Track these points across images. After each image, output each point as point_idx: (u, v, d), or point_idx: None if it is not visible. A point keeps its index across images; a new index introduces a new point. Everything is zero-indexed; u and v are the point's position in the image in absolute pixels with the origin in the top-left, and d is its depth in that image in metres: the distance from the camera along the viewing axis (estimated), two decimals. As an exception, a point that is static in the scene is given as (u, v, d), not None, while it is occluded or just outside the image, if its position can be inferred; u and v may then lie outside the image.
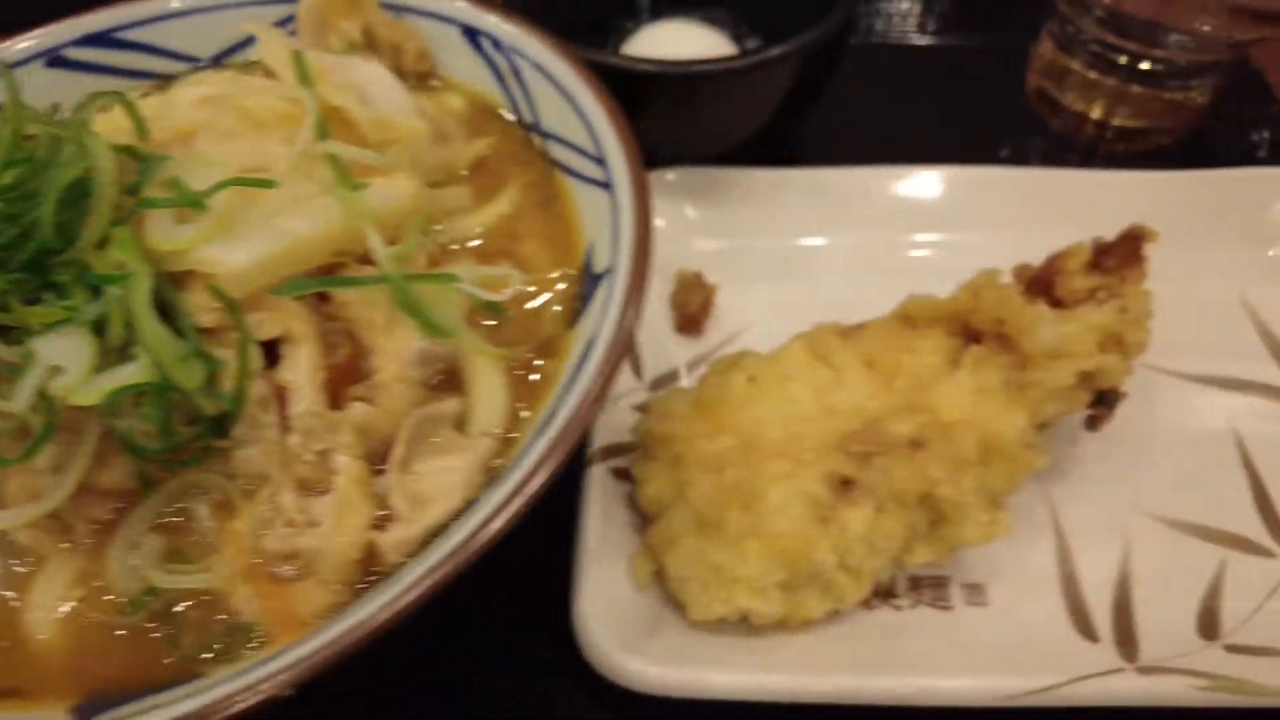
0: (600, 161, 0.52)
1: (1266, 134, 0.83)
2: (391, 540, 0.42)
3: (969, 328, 0.58)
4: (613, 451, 0.61)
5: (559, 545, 0.56)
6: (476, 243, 0.55)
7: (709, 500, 0.53)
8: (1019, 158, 0.85)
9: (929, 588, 0.58)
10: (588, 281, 0.51)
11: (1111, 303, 0.56)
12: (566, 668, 0.54)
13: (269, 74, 0.60)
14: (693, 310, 0.70)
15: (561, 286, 0.52)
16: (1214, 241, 0.72)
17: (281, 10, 0.66)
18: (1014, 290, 0.56)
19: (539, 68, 0.58)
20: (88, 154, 0.42)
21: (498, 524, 0.37)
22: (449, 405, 0.45)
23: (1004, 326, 0.55)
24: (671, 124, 0.73)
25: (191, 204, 0.42)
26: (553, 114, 0.58)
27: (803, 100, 0.77)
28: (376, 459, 0.45)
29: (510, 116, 0.61)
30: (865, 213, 0.75)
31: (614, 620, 0.54)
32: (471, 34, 0.62)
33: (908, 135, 0.85)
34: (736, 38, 0.85)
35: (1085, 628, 0.55)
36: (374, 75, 0.54)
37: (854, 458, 0.54)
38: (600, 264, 0.49)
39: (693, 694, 0.52)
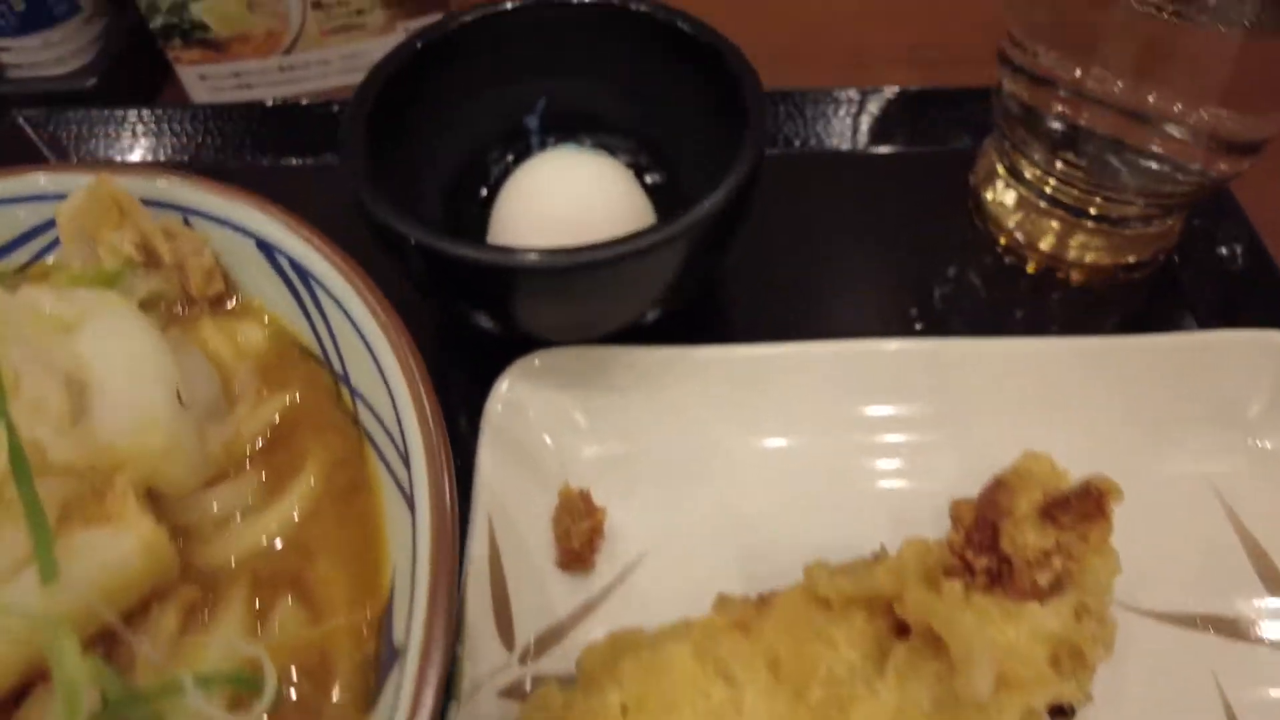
0: (405, 459, 0.40)
1: (1247, 279, 0.71)
2: None
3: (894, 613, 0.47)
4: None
5: None
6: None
7: None
8: (963, 286, 0.73)
9: None
10: (386, 642, 0.39)
11: (1067, 597, 0.45)
12: None
13: None
14: (578, 544, 0.58)
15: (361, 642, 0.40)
16: (1186, 425, 0.61)
17: (44, 209, 0.53)
18: (940, 584, 0.45)
19: (338, 303, 0.46)
20: None
21: None
22: None
23: (934, 627, 0.44)
24: (547, 314, 0.61)
25: None
26: (359, 366, 0.45)
27: (700, 271, 0.65)
28: None
29: (318, 354, 0.49)
30: (786, 399, 0.63)
31: None
32: (268, 250, 0.49)
33: (837, 260, 0.74)
34: (635, 167, 0.73)
35: None
36: (106, 352, 0.41)
37: (753, 819, 0.42)
38: (399, 628, 0.37)
39: None
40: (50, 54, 0.92)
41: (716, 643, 0.47)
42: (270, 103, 0.88)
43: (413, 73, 0.65)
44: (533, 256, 0.55)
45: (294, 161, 0.84)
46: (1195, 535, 0.58)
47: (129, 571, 0.36)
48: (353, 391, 0.46)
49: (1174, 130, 0.61)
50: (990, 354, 0.63)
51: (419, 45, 0.65)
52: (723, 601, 0.50)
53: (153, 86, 0.97)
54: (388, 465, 0.43)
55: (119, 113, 0.88)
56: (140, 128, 0.88)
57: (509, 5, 0.68)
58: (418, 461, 0.38)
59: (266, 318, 0.50)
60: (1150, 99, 0.58)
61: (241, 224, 0.49)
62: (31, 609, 0.32)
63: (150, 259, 0.51)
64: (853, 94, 0.84)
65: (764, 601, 0.49)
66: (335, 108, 0.87)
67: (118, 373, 0.41)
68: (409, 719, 0.32)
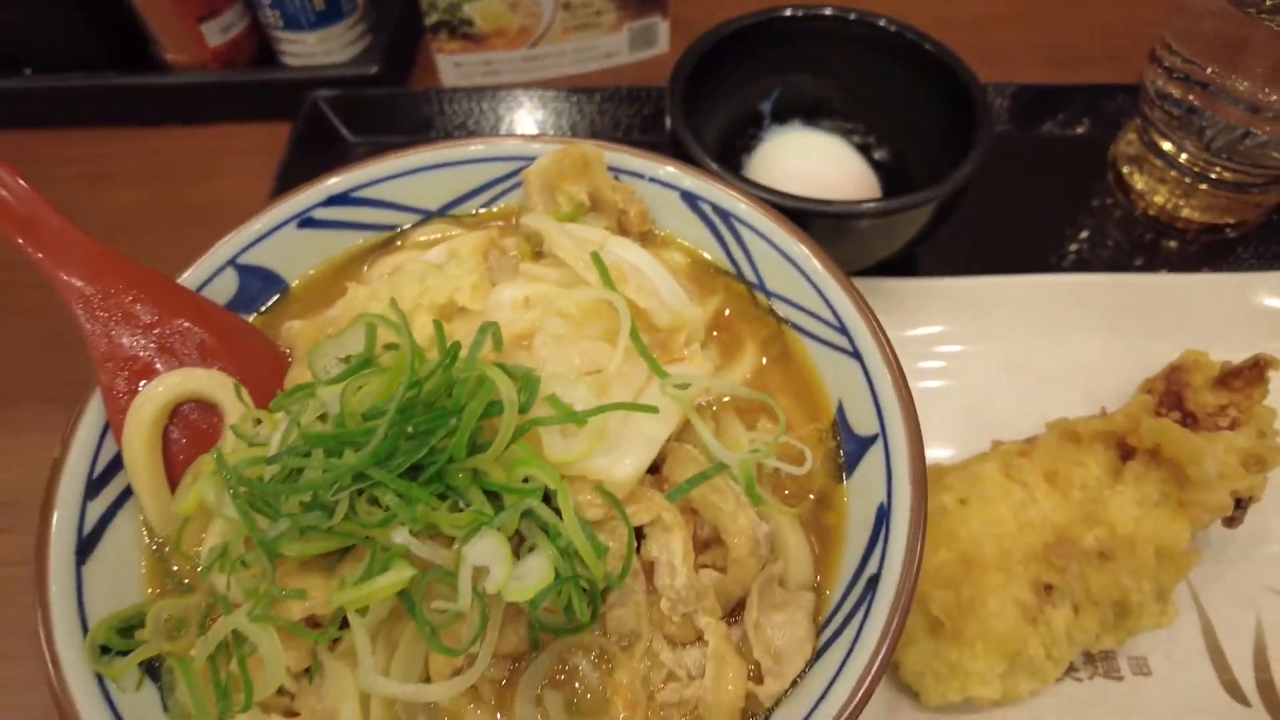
0: (841, 330, 0.62)
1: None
2: (766, 692, 0.52)
3: (1123, 443, 0.70)
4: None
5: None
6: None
7: (943, 609, 0.64)
8: (1098, 235, 0.97)
9: (1101, 660, 0.70)
10: (846, 438, 0.61)
11: (1249, 426, 0.68)
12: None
13: (522, 236, 0.69)
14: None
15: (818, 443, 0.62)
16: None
17: (506, 166, 0.74)
18: (1169, 420, 0.68)
19: (762, 235, 0.67)
20: (492, 388, 0.50)
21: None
22: (778, 566, 0.55)
23: (1161, 449, 0.67)
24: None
25: (576, 421, 0.51)
26: (778, 277, 0.67)
27: (933, 229, 0.87)
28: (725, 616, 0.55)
29: (731, 271, 0.70)
30: (985, 320, 0.86)
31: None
32: (690, 199, 0.70)
33: (997, 226, 0.97)
34: (864, 148, 0.95)
35: (1237, 694, 0.68)
36: (654, 271, 0.62)
37: (1053, 567, 0.65)
38: (863, 427, 0.59)
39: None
40: (337, 44, 1.11)
41: (1011, 461, 0.70)
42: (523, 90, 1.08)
43: (710, 56, 0.87)
44: (819, 205, 0.76)
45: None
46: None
47: (699, 383, 0.56)
48: (769, 293, 0.67)
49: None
50: (1136, 286, 0.87)
51: (720, 36, 0.87)
52: (1007, 445, 0.72)
53: (406, 72, 1.17)
54: (816, 337, 0.64)
55: (402, 93, 1.08)
56: (416, 107, 1.08)
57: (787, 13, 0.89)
58: (858, 325, 0.60)
59: (684, 246, 0.71)
60: (1275, 98, 0.82)
61: (670, 181, 0.70)
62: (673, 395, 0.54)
63: (596, 205, 0.71)
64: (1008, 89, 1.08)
65: (1029, 442, 0.72)
66: (574, 96, 1.08)
67: (655, 273, 0.62)
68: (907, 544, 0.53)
